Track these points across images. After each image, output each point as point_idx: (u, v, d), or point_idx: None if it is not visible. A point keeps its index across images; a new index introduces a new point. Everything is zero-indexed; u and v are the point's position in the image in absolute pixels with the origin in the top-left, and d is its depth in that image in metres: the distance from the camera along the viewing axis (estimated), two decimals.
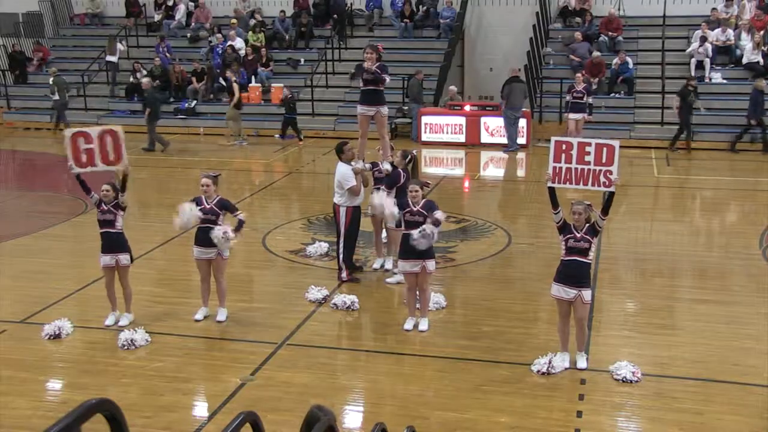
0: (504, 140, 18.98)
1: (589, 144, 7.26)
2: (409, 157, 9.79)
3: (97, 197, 8.31)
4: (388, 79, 9.86)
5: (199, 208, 8.31)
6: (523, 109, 19.41)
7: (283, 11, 24.28)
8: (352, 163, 9.55)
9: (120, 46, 23.99)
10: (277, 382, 7.21)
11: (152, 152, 18.99)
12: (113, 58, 23.75)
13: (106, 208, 8.27)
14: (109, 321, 8.47)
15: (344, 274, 9.72)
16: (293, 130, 20.19)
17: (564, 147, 7.27)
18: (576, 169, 7.23)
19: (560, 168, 7.29)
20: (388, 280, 9.70)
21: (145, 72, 22.65)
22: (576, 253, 7.23)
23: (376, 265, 10.23)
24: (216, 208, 8.32)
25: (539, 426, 6.43)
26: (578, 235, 7.24)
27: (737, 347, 7.85)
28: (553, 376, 7.23)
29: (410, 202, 8.03)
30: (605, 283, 9.58)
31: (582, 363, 7.34)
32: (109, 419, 2.56)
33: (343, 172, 9.49)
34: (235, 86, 20.06)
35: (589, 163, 7.21)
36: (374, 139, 10.41)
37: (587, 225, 7.27)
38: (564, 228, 7.33)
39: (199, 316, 8.65)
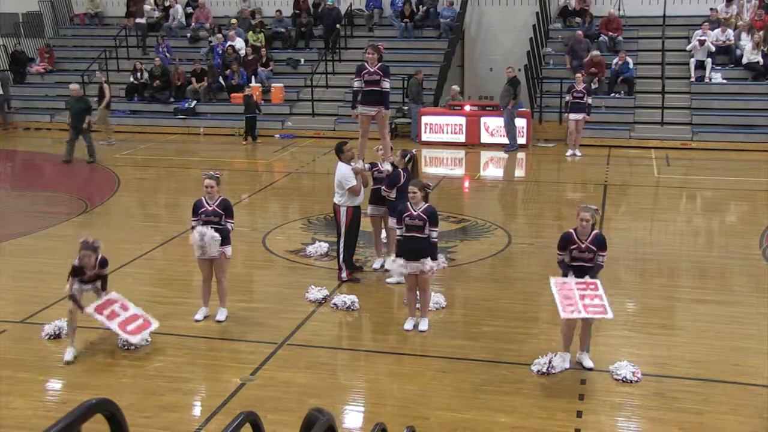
0: (504, 140, 18.99)
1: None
2: (409, 156, 9.78)
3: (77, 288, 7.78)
4: (388, 84, 9.69)
5: (201, 209, 8.29)
6: (523, 109, 19.46)
7: (279, 11, 24.26)
8: (352, 162, 9.54)
9: (147, 6, 24.27)
10: (277, 382, 7.21)
11: (95, 163, 17.67)
12: (142, 20, 24.33)
13: (86, 277, 7.73)
14: (47, 329, 8.21)
15: (344, 274, 9.72)
16: (244, 130, 20.22)
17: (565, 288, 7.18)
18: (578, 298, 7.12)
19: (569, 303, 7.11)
20: (388, 280, 9.70)
21: (146, 72, 22.69)
22: (581, 261, 7.19)
23: (376, 265, 10.23)
24: (218, 210, 8.29)
25: (539, 426, 6.43)
26: (583, 246, 7.12)
27: (737, 347, 7.84)
28: (553, 376, 7.23)
29: (410, 205, 8.02)
30: (605, 283, 9.55)
31: (588, 362, 7.33)
32: (109, 419, 2.56)
33: (344, 172, 9.49)
34: (106, 87, 20.00)
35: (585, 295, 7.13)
36: (374, 139, 10.41)
37: (593, 233, 7.14)
38: (567, 240, 7.21)
39: (198, 316, 8.64)
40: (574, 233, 7.21)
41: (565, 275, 7.25)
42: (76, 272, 7.68)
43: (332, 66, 22.82)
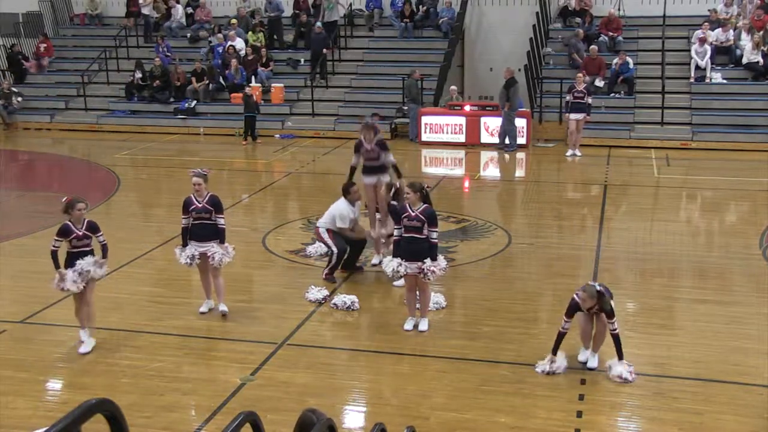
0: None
1: None
2: (394, 189, 9.81)
3: (65, 228, 7.68)
4: (390, 157, 9.89)
5: (191, 207, 8.41)
6: (523, 109, 19.45)
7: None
8: (369, 231, 9.90)
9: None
10: (277, 382, 7.21)
11: None
12: (147, 10, 24.52)
13: (81, 233, 7.69)
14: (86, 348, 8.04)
15: (325, 272, 9.80)
16: (243, 129, 20.22)
17: None
18: None
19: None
20: (395, 283, 9.58)
21: (139, 73, 22.67)
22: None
23: (375, 261, 10.25)
24: (208, 206, 8.41)
25: (539, 426, 6.43)
26: (589, 314, 7.19)
27: (737, 347, 7.84)
28: (553, 377, 7.23)
29: (408, 206, 8.01)
30: (605, 283, 9.55)
31: (593, 363, 7.34)
32: (109, 419, 2.56)
33: (343, 213, 9.70)
34: None
35: None
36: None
37: (597, 308, 7.04)
38: (573, 309, 7.16)
39: (204, 308, 8.75)
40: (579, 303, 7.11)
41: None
42: (64, 233, 7.64)
43: (332, 66, 22.81)
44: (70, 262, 7.69)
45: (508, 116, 18.55)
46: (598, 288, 7.09)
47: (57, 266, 7.65)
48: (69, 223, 7.68)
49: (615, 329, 7.05)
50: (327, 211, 9.94)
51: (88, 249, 7.76)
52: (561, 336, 7.17)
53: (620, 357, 7.09)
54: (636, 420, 6.65)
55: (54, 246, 7.65)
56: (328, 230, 9.78)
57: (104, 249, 7.89)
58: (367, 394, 7.19)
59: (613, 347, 7.16)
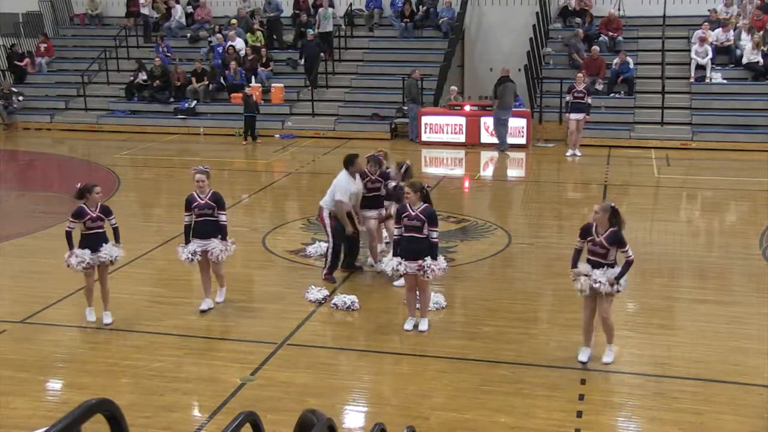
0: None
1: None
2: (404, 167, 9.81)
3: (80, 210, 8.05)
4: (392, 183, 9.87)
5: (194, 204, 8.49)
6: (524, 109, 19.42)
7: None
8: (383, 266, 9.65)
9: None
10: (277, 382, 7.21)
11: None
12: (146, 10, 24.37)
13: (95, 215, 8.11)
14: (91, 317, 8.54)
15: (324, 272, 9.77)
16: (244, 129, 20.21)
17: None
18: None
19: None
20: (395, 283, 9.59)
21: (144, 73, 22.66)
22: (595, 255, 7.20)
23: (371, 260, 10.24)
24: (211, 202, 8.50)
25: (539, 426, 6.43)
26: (597, 239, 7.15)
27: (737, 347, 7.84)
28: (553, 377, 7.23)
29: (408, 206, 8.01)
30: None
31: (608, 358, 7.36)
32: (109, 419, 2.56)
33: (343, 185, 9.60)
34: None
35: None
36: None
37: (609, 231, 7.11)
38: (585, 231, 7.27)
39: (204, 306, 8.79)
40: (593, 226, 7.23)
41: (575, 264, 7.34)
42: (79, 215, 8.04)
43: (332, 66, 22.81)
44: (83, 244, 8.12)
45: (496, 115, 18.48)
46: (612, 205, 7.16)
47: (71, 246, 8.10)
48: (83, 205, 8.06)
49: (630, 256, 7.14)
50: (329, 189, 9.80)
51: (101, 231, 8.18)
52: (577, 251, 7.33)
53: (618, 277, 7.11)
54: (636, 420, 6.65)
55: (69, 227, 8.08)
56: (330, 215, 9.66)
57: (116, 232, 8.31)
58: (367, 394, 7.19)
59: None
